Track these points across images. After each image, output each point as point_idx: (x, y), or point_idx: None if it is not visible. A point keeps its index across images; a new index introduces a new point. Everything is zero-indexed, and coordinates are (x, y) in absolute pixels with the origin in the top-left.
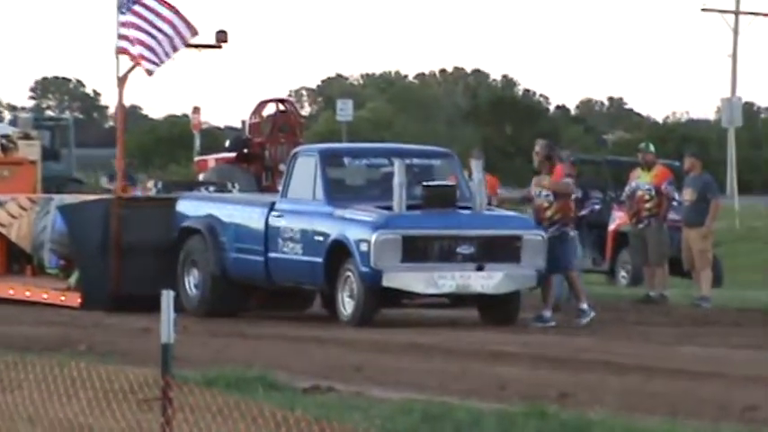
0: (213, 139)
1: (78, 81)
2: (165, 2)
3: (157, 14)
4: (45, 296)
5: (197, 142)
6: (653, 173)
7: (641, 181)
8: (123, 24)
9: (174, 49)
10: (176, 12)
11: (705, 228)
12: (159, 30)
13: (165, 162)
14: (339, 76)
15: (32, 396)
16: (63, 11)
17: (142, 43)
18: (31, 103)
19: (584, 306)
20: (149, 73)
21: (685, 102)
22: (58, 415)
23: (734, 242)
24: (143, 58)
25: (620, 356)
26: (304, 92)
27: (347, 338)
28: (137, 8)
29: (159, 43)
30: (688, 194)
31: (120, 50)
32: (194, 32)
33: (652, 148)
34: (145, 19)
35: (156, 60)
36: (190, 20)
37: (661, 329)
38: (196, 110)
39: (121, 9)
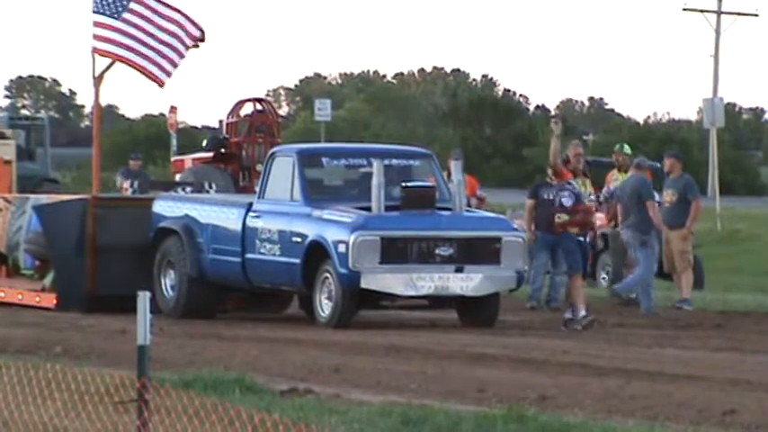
0: (190, 138)
1: (54, 80)
2: (164, 1)
3: (160, 14)
4: (20, 297)
5: (174, 142)
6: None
7: (618, 183)
8: (101, 25)
9: (186, 48)
10: (178, 10)
11: (686, 229)
12: (165, 30)
13: (142, 162)
14: (317, 75)
15: (7, 399)
16: (38, 10)
17: (147, 51)
18: (6, 103)
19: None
20: (162, 84)
21: (667, 102)
22: (32, 418)
23: (715, 244)
24: (155, 65)
25: (599, 359)
26: (282, 91)
27: (325, 340)
28: (137, 7)
29: (168, 46)
30: (668, 196)
31: (121, 59)
32: (201, 30)
33: (627, 149)
34: (147, 19)
35: (169, 68)
36: (193, 17)
37: (641, 332)
38: (173, 109)
39: (114, 12)
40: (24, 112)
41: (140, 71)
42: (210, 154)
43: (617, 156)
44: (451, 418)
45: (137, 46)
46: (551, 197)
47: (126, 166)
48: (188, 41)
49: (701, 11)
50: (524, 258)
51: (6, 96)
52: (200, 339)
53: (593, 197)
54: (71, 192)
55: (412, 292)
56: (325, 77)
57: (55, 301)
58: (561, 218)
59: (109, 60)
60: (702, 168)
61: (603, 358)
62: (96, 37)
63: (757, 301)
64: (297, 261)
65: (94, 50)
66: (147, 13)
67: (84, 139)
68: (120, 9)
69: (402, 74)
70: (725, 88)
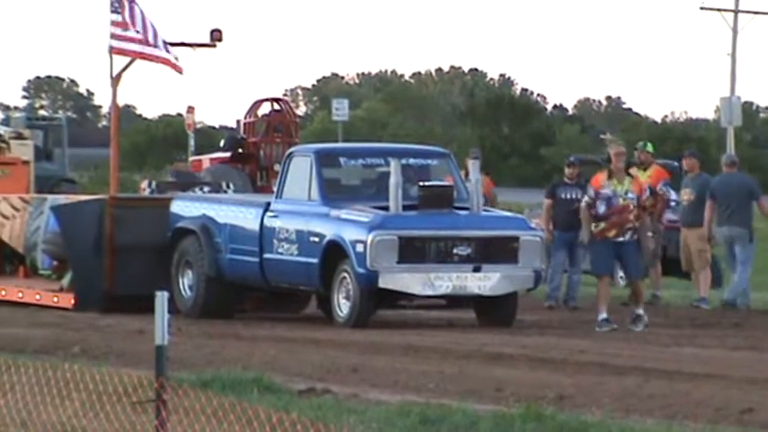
0: (208, 138)
1: (71, 80)
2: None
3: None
4: (38, 297)
5: (191, 142)
6: (648, 173)
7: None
8: (118, 24)
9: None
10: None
11: (704, 228)
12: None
13: (159, 162)
14: (335, 75)
15: (25, 399)
16: (56, 10)
17: (159, 43)
18: (23, 103)
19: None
20: (182, 71)
21: (684, 101)
22: (51, 418)
23: None
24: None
25: (617, 358)
26: (299, 91)
27: (343, 340)
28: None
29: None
30: (686, 195)
31: (140, 55)
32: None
33: (650, 147)
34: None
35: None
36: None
37: (659, 331)
38: (190, 109)
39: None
40: (42, 112)
41: (161, 62)
42: (228, 154)
43: (640, 154)
44: (469, 417)
45: (150, 39)
46: (569, 196)
47: (173, 167)
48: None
49: (719, 10)
50: (542, 258)
51: (24, 97)
52: (218, 339)
53: (631, 195)
54: (89, 192)
55: (430, 292)
56: (342, 77)
57: (73, 302)
58: (598, 226)
59: (126, 60)
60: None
61: (621, 357)
62: (114, 36)
63: None
64: (315, 261)
65: (113, 50)
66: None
67: (96, 140)
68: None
69: (419, 73)
70: (742, 87)
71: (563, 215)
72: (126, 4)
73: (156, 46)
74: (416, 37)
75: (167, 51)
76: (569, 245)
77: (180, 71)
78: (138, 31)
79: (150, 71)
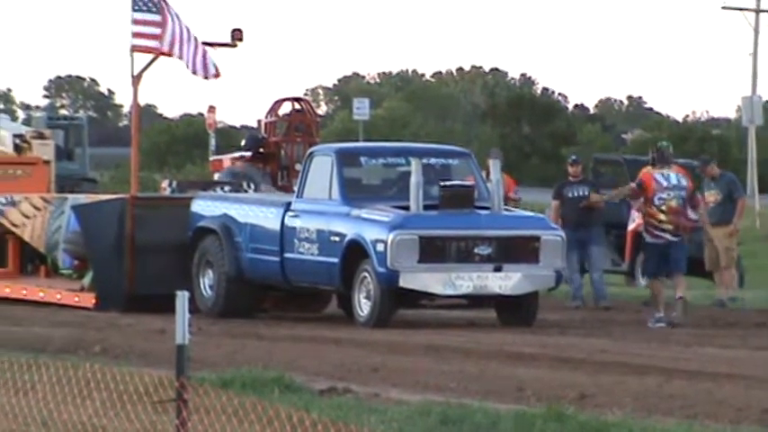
0: (229, 138)
1: (92, 80)
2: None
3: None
4: (59, 297)
5: (212, 142)
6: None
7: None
8: (152, 23)
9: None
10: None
11: (732, 225)
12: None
13: (180, 162)
14: (356, 74)
15: (46, 398)
16: (77, 9)
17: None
18: (44, 102)
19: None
20: (208, 77)
21: (705, 100)
22: (71, 417)
23: (754, 242)
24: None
25: (638, 358)
26: (320, 90)
27: (364, 339)
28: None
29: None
30: (712, 195)
31: (164, 53)
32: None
33: (671, 148)
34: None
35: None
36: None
37: (680, 330)
38: (211, 109)
39: (153, 7)
40: (63, 111)
41: (186, 63)
42: (249, 153)
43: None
44: (490, 417)
45: (178, 38)
46: (576, 194)
47: (231, 166)
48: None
49: (740, 9)
50: (563, 257)
51: (45, 96)
52: (238, 339)
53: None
54: (109, 191)
55: (451, 292)
56: (363, 76)
57: (94, 301)
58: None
59: (148, 59)
60: (741, 166)
61: (642, 357)
62: (136, 35)
63: None
64: (335, 260)
65: (135, 48)
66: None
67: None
68: (157, 4)
69: (440, 73)
70: (764, 86)
71: (572, 214)
72: (164, 5)
73: (184, 47)
74: (437, 36)
75: (204, 59)
76: (581, 243)
77: (206, 77)
78: (170, 29)
79: (171, 71)
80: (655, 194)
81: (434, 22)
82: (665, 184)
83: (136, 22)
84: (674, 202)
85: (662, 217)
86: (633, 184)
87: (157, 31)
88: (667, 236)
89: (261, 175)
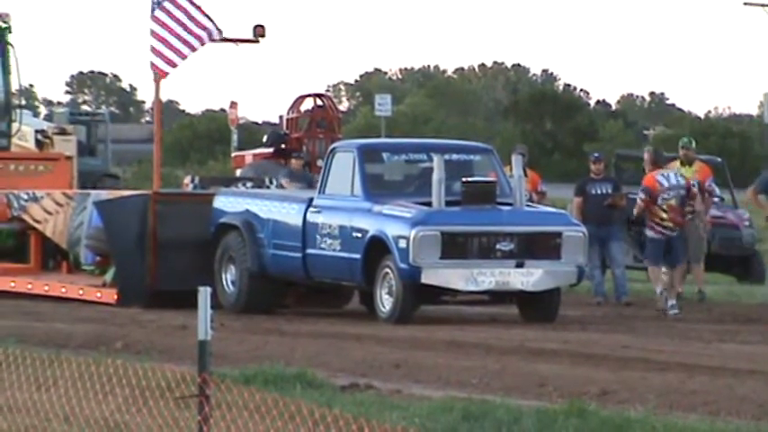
0: (251, 134)
1: (114, 76)
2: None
3: (186, 13)
4: (81, 292)
5: (234, 138)
6: (694, 169)
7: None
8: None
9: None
10: (203, 11)
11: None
12: (185, 27)
13: (202, 158)
14: (378, 70)
15: (68, 394)
16: (99, 5)
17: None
18: (67, 98)
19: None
20: (167, 74)
21: (728, 96)
22: (93, 413)
23: None
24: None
25: (660, 354)
26: (342, 87)
27: (386, 336)
28: (168, 5)
29: (182, 41)
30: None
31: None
32: (219, 30)
33: (694, 144)
34: (173, 17)
35: (176, 60)
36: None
37: (702, 327)
38: (233, 105)
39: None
40: (85, 107)
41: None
42: (271, 149)
43: (686, 151)
44: (512, 413)
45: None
46: (599, 191)
47: (289, 167)
48: (203, 38)
49: (763, 5)
50: (585, 253)
51: (67, 92)
52: (260, 335)
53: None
54: (132, 187)
55: (472, 288)
56: (385, 72)
57: (116, 297)
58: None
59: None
60: (763, 162)
61: (664, 353)
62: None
63: None
64: (357, 256)
65: (159, 76)
66: (174, 10)
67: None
68: (154, 6)
69: (462, 69)
70: None
71: (594, 211)
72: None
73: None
74: (459, 32)
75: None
76: (603, 240)
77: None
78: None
79: (194, 67)
80: (658, 195)
81: (456, 18)
82: (665, 184)
83: (154, 50)
84: (674, 201)
85: (663, 215)
86: (641, 196)
87: (171, 54)
88: (668, 232)
89: (284, 172)
